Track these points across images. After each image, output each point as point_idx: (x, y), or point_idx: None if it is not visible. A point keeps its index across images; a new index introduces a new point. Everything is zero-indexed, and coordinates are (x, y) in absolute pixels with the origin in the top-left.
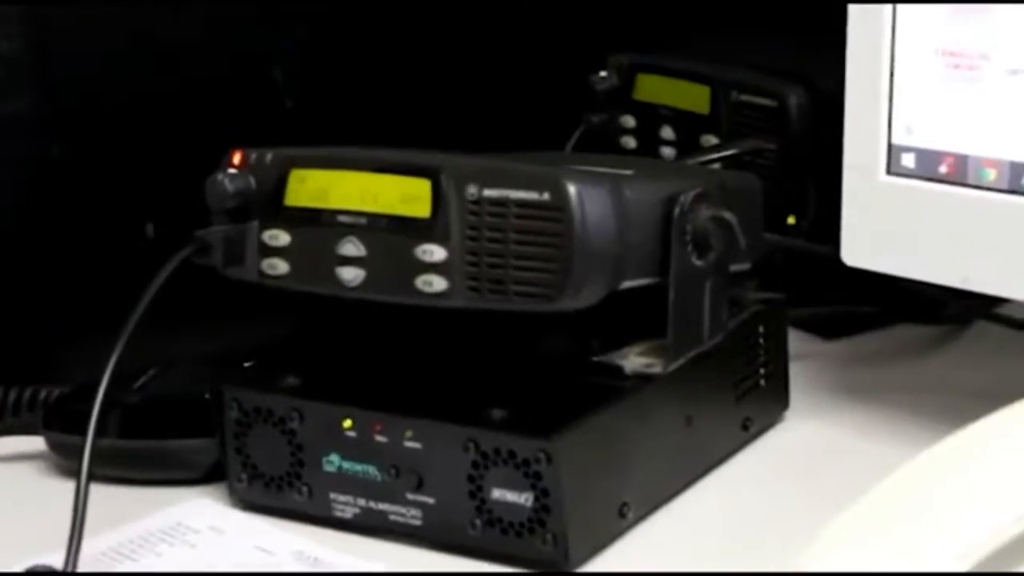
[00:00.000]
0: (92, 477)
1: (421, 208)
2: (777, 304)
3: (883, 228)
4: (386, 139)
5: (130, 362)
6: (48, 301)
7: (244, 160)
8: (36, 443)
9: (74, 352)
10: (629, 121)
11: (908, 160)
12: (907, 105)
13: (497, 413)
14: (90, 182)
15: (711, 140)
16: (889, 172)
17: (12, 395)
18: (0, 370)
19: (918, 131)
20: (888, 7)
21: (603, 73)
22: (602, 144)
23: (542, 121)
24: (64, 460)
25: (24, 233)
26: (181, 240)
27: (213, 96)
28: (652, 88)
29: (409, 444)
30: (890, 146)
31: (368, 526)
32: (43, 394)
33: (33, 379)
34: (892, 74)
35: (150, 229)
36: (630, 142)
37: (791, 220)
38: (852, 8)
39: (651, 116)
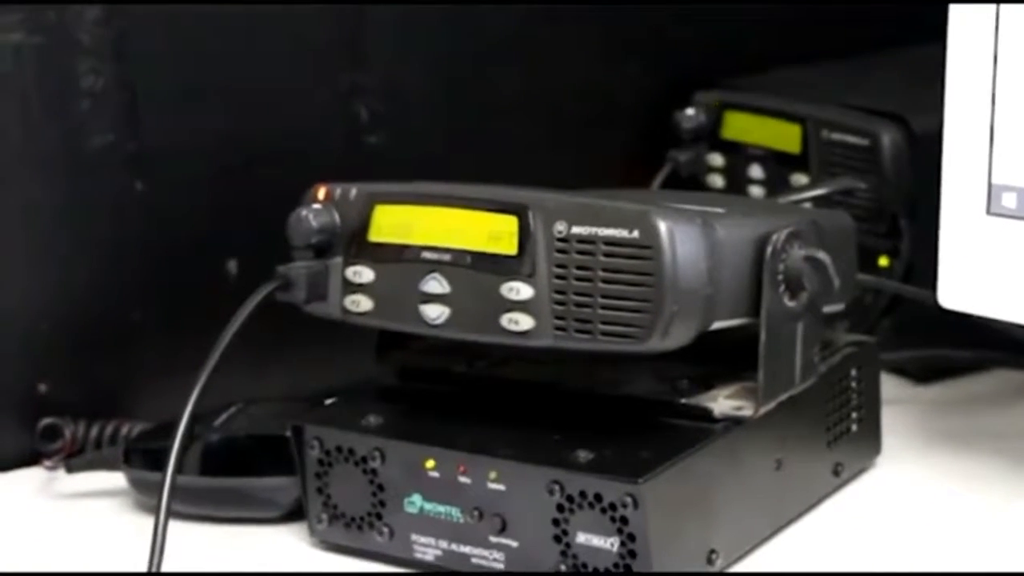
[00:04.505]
0: (171, 514)
1: (508, 245)
2: (869, 347)
3: (983, 270)
4: (469, 177)
5: (212, 399)
6: (130, 336)
7: (328, 195)
8: (116, 479)
9: (156, 388)
10: (717, 160)
11: (1009, 200)
12: (1008, 143)
13: (583, 455)
14: (173, 218)
15: (801, 180)
16: (989, 212)
17: (93, 430)
18: (82, 405)
19: (1020, 170)
20: (989, 43)
21: (690, 111)
22: (689, 183)
23: (628, 159)
24: (144, 496)
25: (107, 268)
26: (264, 277)
27: (296, 132)
28: (741, 126)
29: (493, 486)
30: (990, 185)
31: (450, 569)
32: (124, 430)
33: (114, 414)
34: (993, 111)
35: (233, 265)
36: (718, 181)
37: (884, 262)
38: (951, 44)
39: (740, 155)
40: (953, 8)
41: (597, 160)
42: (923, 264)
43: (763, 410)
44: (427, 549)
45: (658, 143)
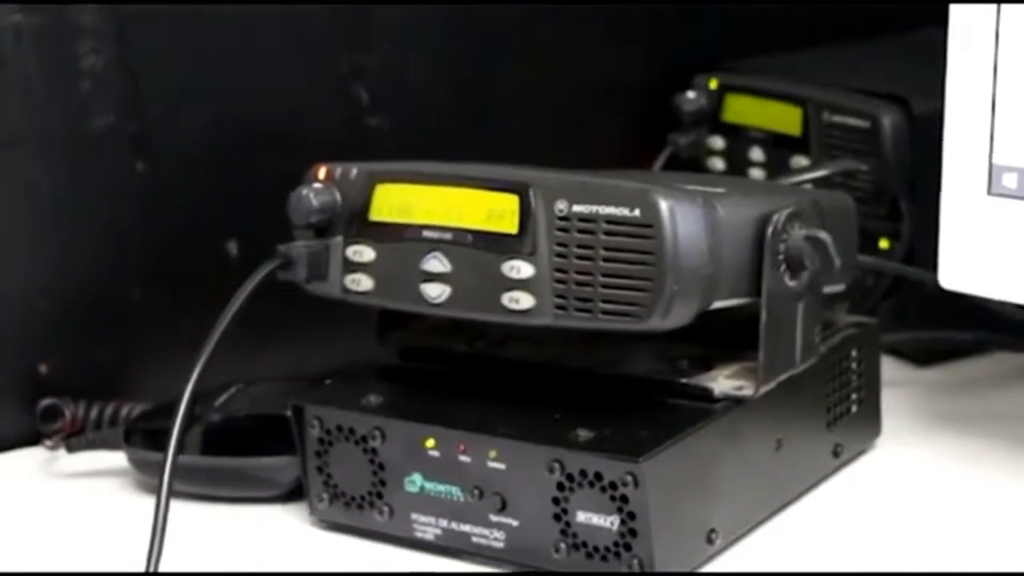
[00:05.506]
0: (172, 493)
1: (508, 224)
2: (870, 328)
3: (984, 251)
4: (470, 158)
5: (212, 379)
6: (130, 317)
7: (329, 175)
8: (117, 459)
9: (156, 368)
10: (717, 143)
11: (1010, 180)
12: (1009, 123)
13: (583, 434)
14: (174, 198)
15: (802, 162)
16: (990, 193)
17: (94, 410)
18: (82, 385)
19: (1021, 150)
20: (990, 24)
21: (691, 94)
22: (689, 166)
23: (628, 143)
24: (145, 476)
25: (108, 249)
26: (264, 257)
27: (296, 114)
28: (741, 109)
29: (493, 465)
30: (991, 166)
31: (450, 548)
32: (125, 410)
33: (114, 395)
34: (994, 92)
35: (233, 246)
36: (718, 164)
37: (884, 244)
38: (952, 25)
39: (740, 137)
40: None
41: (597, 143)
42: (924, 246)
43: (763, 390)
44: (427, 528)
45: (658, 127)
